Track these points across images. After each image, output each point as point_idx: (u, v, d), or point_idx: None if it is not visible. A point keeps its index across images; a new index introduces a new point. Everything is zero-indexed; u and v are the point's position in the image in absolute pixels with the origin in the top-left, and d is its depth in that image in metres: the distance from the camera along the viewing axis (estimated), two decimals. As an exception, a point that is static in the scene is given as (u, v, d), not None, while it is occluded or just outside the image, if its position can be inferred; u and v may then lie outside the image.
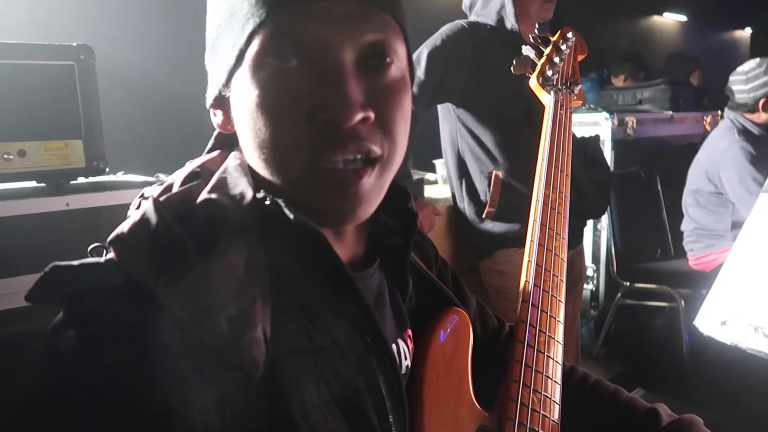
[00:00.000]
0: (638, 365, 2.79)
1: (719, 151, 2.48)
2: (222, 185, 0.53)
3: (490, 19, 1.68)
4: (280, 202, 0.51)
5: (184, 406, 0.44)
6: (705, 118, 3.60)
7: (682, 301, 2.67)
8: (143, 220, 0.49)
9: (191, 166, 0.58)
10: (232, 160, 0.57)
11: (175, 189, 0.54)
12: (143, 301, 0.45)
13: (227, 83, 0.54)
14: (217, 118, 0.59)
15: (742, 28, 6.33)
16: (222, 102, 0.56)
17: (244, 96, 0.52)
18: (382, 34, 0.52)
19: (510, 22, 1.64)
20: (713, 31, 5.99)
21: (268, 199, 0.52)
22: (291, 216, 0.51)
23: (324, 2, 0.50)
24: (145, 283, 0.45)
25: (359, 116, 0.49)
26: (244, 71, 0.52)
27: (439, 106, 1.78)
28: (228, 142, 0.60)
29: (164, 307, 0.45)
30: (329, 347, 0.53)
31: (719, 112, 3.66)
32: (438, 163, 2.24)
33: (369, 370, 0.55)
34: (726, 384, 2.15)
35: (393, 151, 0.54)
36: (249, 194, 0.52)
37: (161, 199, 0.51)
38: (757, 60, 2.52)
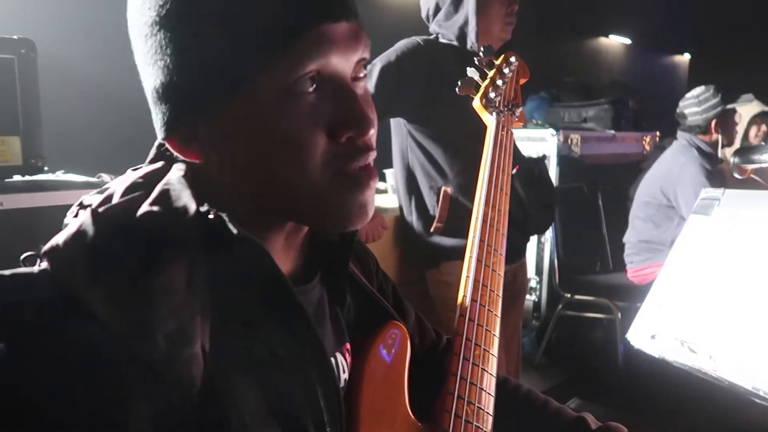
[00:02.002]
0: (576, 375, 2.88)
1: (678, 167, 2.62)
2: (165, 198, 0.52)
3: (451, 33, 1.70)
4: (224, 216, 0.51)
5: (118, 422, 0.43)
6: (644, 138, 3.78)
7: (619, 314, 2.78)
8: (80, 231, 0.48)
9: (133, 175, 0.57)
10: (175, 172, 0.56)
11: (115, 200, 0.53)
12: (77, 315, 0.44)
13: (221, 110, 0.51)
14: (179, 148, 0.55)
15: (682, 53, 6.66)
16: (194, 131, 0.53)
17: (260, 123, 0.51)
18: (367, 51, 0.56)
19: (471, 40, 1.66)
20: (655, 54, 6.28)
21: (211, 212, 0.51)
22: (234, 230, 0.51)
23: (332, 24, 0.51)
24: (80, 296, 0.45)
25: (373, 129, 0.55)
26: (256, 101, 0.51)
27: (391, 119, 1.79)
28: (170, 153, 0.59)
29: (99, 321, 0.44)
30: (269, 360, 0.53)
31: (657, 133, 3.84)
32: (388, 172, 2.26)
33: (308, 383, 0.56)
34: (656, 395, 2.24)
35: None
36: (192, 207, 0.51)
37: (100, 210, 0.50)
38: (704, 86, 2.71)
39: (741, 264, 1.05)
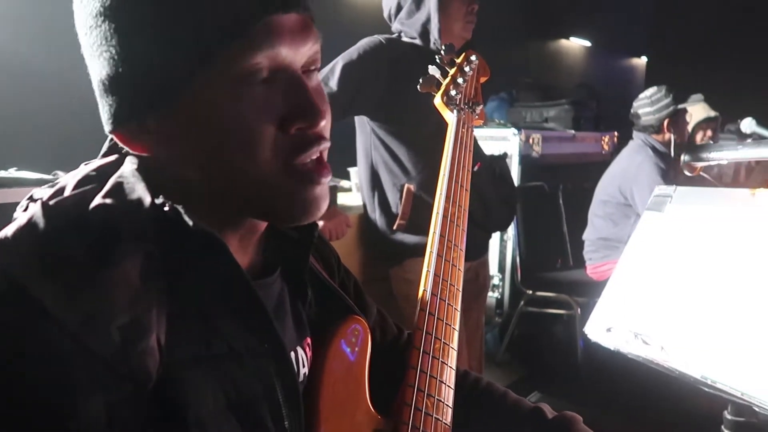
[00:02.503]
0: (537, 370, 2.94)
1: (634, 166, 2.69)
2: (118, 190, 0.52)
3: (414, 30, 1.71)
4: (180, 208, 0.51)
5: (71, 417, 0.42)
6: (603, 138, 3.88)
7: (579, 309, 2.85)
8: (30, 224, 0.47)
9: (86, 169, 0.56)
10: (128, 165, 0.55)
11: (67, 193, 0.52)
12: (27, 308, 0.43)
13: (169, 103, 0.51)
14: (127, 141, 0.54)
15: (639, 56, 6.86)
16: (144, 124, 0.53)
17: (208, 115, 0.51)
18: (317, 42, 0.56)
19: (434, 37, 1.67)
20: (614, 57, 6.45)
21: (167, 205, 0.51)
22: (190, 222, 0.51)
23: (281, 16, 0.51)
24: (30, 290, 0.44)
25: (324, 120, 0.55)
26: (204, 93, 0.50)
27: (355, 117, 1.79)
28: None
29: (51, 315, 0.43)
30: (227, 354, 0.53)
31: (615, 133, 3.95)
32: (352, 170, 2.26)
33: (266, 377, 0.56)
34: (613, 386, 2.30)
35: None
36: (147, 200, 0.51)
37: (51, 202, 0.50)
38: (656, 87, 2.79)
39: (691, 258, 1.09)
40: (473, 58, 1.16)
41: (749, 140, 2.44)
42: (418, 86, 1.11)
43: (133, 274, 0.47)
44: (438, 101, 1.08)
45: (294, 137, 0.54)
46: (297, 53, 0.54)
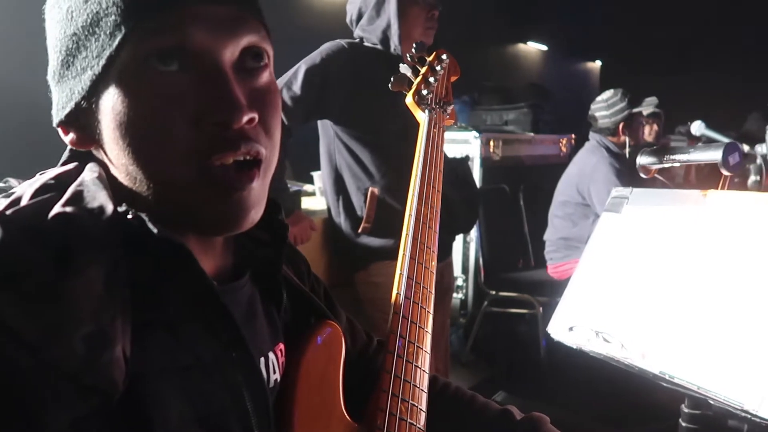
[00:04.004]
0: (502, 369, 2.98)
1: (590, 166, 2.76)
2: (78, 198, 0.50)
3: (374, 36, 1.72)
4: (143, 216, 0.50)
5: None
6: (561, 140, 3.97)
7: (541, 308, 2.90)
8: None
9: (43, 177, 0.54)
10: (88, 173, 0.54)
11: (24, 202, 0.50)
12: None
13: (90, 95, 0.52)
14: (69, 136, 0.55)
15: (593, 60, 7.06)
16: (78, 116, 0.53)
17: (119, 104, 0.50)
18: (256, 37, 0.54)
19: (394, 43, 1.69)
20: (569, 61, 6.61)
21: (130, 213, 0.50)
22: (154, 230, 0.50)
23: (201, 6, 0.50)
24: None
25: (247, 117, 0.50)
26: (117, 78, 0.50)
27: (318, 121, 1.79)
28: (84, 154, 0.57)
29: (10, 328, 0.42)
30: (193, 364, 0.52)
31: (573, 135, 4.05)
32: (316, 174, 2.25)
33: (234, 386, 0.55)
34: (575, 384, 2.36)
35: (273, 153, 0.55)
36: (109, 208, 0.50)
37: (8, 212, 0.48)
38: (613, 90, 2.87)
39: (648, 258, 1.13)
40: (444, 56, 1.16)
41: (700, 143, 2.55)
42: (390, 85, 1.11)
43: (97, 283, 0.46)
44: (409, 100, 1.08)
45: (210, 135, 0.50)
46: (220, 43, 0.51)
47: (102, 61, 0.50)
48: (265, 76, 0.55)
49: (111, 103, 0.50)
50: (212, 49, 0.50)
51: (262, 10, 0.56)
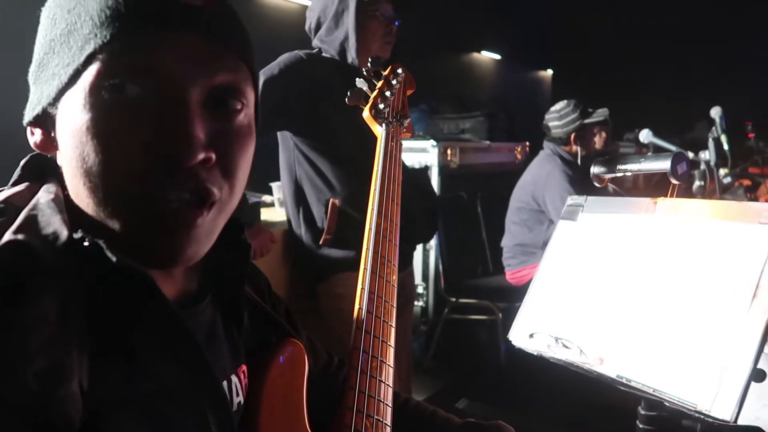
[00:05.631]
0: (464, 376, 3.01)
1: (544, 174, 2.82)
2: (31, 224, 0.48)
3: (332, 48, 1.72)
4: (101, 243, 0.48)
5: None
6: (516, 148, 4.05)
7: (500, 314, 2.95)
8: None
9: None
10: (43, 195, 0.52)
11: None
12: None
13: (55, 102, 0.50)
14: (35, 137, 0.54)
15: (545, 69, 7.24)
16: (45, 120, 0.52)
17: (76, 118, 0.48)
18: (233, 75, 0.52)
19: (351, 55, 1.69)
20: (522, 69, 6.76)
21: (86, 240, 0.48)
22: (113, 258, 0.48)
23: (177, 35, 0.49)
24: None
25: (200, 156, 0.48)
26: (78, 92, 0.48)
27: (278, 132, 1.77)
28: (38, 172, 0.55)
29: None
30: (156, 391, 0.51)
31: (527, 143, 4.14)
32: (275, 185, 2.23)
33: (198, 411, 0.54)
34: (535, 388, 2.40)
35: (231, 194, 0.53)
36: (64, 234, 0.48)
37: None
38: (566, 101, 2.95)
39: (603, 264, 1.16)
40: (399, 71, 1.17)
41: (649, 152, 2.64)
42: (346, 99, 1.11)
43: (50, 314, 0.44)
44: (366, 114, 1.08)
45: (160, 167, 0.48)
46: (190, 76, 0.49)
47: (69, 71, 0.49)
48: (239, 119, 0.53)
49: (70, 114, 0.49)
50: (179, 80, 0.49)
51: (249, 50, 0.54)
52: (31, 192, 0.53)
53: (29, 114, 0.54)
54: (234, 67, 0.52)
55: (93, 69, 0.48)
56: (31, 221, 0.49)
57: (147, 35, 0.48)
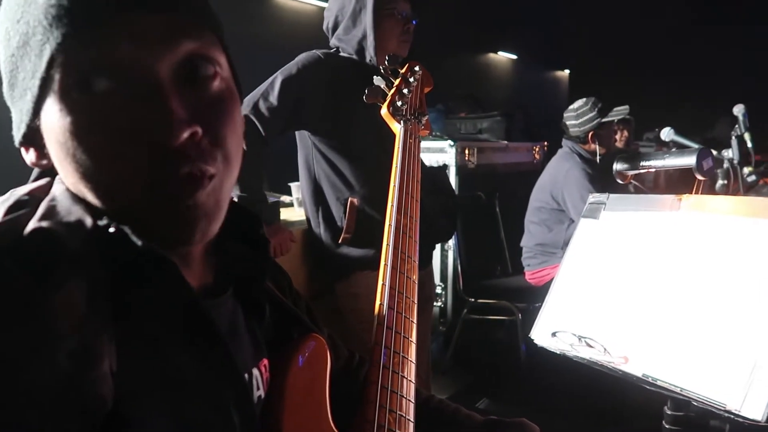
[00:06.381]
0: (483, 376, 2.99)
1: (563, 172, 2.79)
2: (53, 213, 0.49)
3: (350, 47, 1.72)
4: (126, 229, 0.48)
5: None
6: (534, 147, 4.02)
7: (519, 314, 2.92)
8: None
9: (16, 193, 0.53)
10: (58, 187, 0.53)
11: None
12: None
13: (35, 115, 0.50)
14: (29, 155, 0.54)
15: (562, 69, 7.19)
16: (33, 137, 0.52)
17: (57, 126, 0.48)
18: (196, 43, 0.50)
19: (369, 54, 1.69)
20: (539, 69, 6.72)
21: (112, 226, 0.49)
22: (138, 243, 0.48)
23: (128, 16, 0.47)
24: None
25: (186, 133, 0.47)
26: (52, 100, 0.48)
27: (296, 132, 1.78)
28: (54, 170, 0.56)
29: None
30: (179, 381, 0.51)
31: (545, 143, 4.10)
32: (293, 186, 2.24)
33: (221, 403, 0.54)
34: (556, 388, 2.38)
35: (227, 163, 0.53)
36: (88, 221, 0.49)
37: None
38: (584, 99, 2.91)
39: (627, 262, 1.14)
40: (417, 68, 1.17)
41: (672, 149, 2.60)
42: (364, 97, 1.11)
43: (78, 298, 0.45)
44: (384, 112, 1.08)
45: (148, 155, 0.47)
46: (154, 56, 0.48)
47: (37, 82, 0.48)
48: (215, 85, 0.52)
49: (50, 124, 0.49)
50: (145, 63, 0.47)
51: (209, 13, 0.53)
52: (50, 186, 0.54)
53: (17, 135, 0.53)
54: (196, 35, 0.51)
55: (59, 72, 0.47)
56: (52, 210, 0.50)
57: (98, 25, 0.47)
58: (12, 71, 0.50)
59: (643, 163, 1.25)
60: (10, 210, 0.50)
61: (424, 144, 3.31)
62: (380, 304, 0.78)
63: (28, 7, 0.48)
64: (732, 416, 0.83)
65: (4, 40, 0.51)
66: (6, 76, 0.52)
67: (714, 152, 1.96)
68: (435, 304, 3.20)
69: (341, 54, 1.76)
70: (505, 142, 3.75)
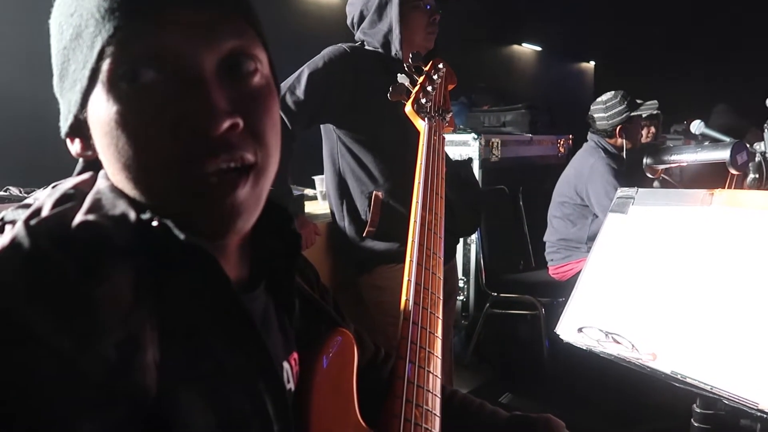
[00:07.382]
0: (506, 371, 2.98)
1: (588, 167, 2.75)
2: (98, 206, 0.51)
3: (376, 41, 1.72)
4: (168, 222, 0.50)
5: None
6: (559, 141, 3.97)
7: (543, 309, 2.90)
8: (14, 244, 0.45)
9: (62, 187, 0.54)
10: (102, 181, 0.54)
11: (45, 212, 0.50)
12: (10, 333, 0.41)
13: (83, 107, 0.52)
14: (74, 146, 0.56)
15: (587, 61, 7.07)
16: (80, 128, 0.54)
17: (103, 116, 0.50)
18: (240, 40, 0.52)
19: (395, 47, 1.68)
20: (564, 61, 6.62)
21: (155, 220, 0.50)
22: (181, 236, 0.49)
23: (177, 11, 0.49)
24: (17, 312, 0.42)
25: (227, 123, 0.49)
26: (100, 90, 0.50)
27: (321, 125, 1.79)
28: (98, 163, 0.57)
29: (40, 337, 0.41)
30: (216, 371, 0.52)
31: (570, 136, 4.05)
32: (317, 179, 2.25)
33: (256, 394, 0.55)
34: (580, 383, 2.36)
35: (266, 157, 0.54)
36: (132, 215, 0.50)
37: (32, 222, 0.48)
38: (613, 92, 2.86)
39: (657, 257, 1.12)
40: (440, 66, 1.17)
41: (703, 142, 2.54)
42: (389, 95, 1.11)
43: (124, 290, 0.46)
44: (409, 109, 1.09)
45: (190, 144, 0.49)
46: (199, 49, 0.50)
47: (87, 73, 0.50)
48: (255, 80, 0.54)
49: (97, 114, 0.50)
50: (190, 55, 0.49)
51: (252, 11, 0.55)
52: (93, 180, 0.56)
53: (64, 126, 0.55)
54: (239, 32, 0.52)
55: (106, 64, 0.49)
56: (98, 204, 0.51)
57: (149, 18, 0.49)
58: (63, 63, 0.52)
59: (674, 157, 1.22)
60: (57, 203, 0.51)
61: (447, 137, 3.28)
62: (406, 300, 0.79)
63: (81, 1, 0.50)
64: (765, 415, 0.82)
65: (57, 34, 0.53)
66: (57, 68, 0.54)
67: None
68: (457, 298, 3.19)
69: (367, 48, 1.76)
70: (529, 135, 3.71)
